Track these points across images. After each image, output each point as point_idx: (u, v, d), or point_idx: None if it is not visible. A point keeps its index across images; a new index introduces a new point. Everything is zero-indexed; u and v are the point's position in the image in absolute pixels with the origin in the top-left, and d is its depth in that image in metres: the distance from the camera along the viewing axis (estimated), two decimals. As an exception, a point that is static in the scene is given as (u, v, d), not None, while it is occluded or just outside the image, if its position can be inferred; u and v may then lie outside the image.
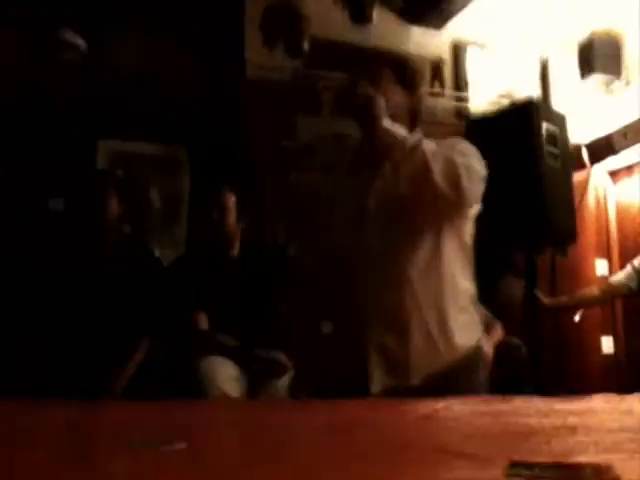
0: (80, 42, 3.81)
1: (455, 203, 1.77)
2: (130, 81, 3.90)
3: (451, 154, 1.74)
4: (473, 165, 1.76)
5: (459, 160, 1.72)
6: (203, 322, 2.72)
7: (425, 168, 1.70)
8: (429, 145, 1.75)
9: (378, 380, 1.77)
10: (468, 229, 1.88)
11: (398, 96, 1.89)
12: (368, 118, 1.78)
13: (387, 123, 1.78)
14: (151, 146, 4.05)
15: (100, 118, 3.84)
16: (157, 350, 2.68)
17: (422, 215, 1.79)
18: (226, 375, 2.54)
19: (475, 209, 1.87)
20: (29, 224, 3.25)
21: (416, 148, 1.73)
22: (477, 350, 1.84)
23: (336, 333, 2.05)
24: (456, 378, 1.75)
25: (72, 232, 2.81)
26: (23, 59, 3.67)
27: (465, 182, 1.71)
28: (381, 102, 1.78)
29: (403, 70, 1.96)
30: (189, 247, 3.84)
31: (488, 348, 1.90)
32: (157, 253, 3.16)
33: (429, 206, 1.78)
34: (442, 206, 1.78)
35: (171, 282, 2.81)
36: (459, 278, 1.83)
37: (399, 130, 1.79)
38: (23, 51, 3.68)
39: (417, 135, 1.85)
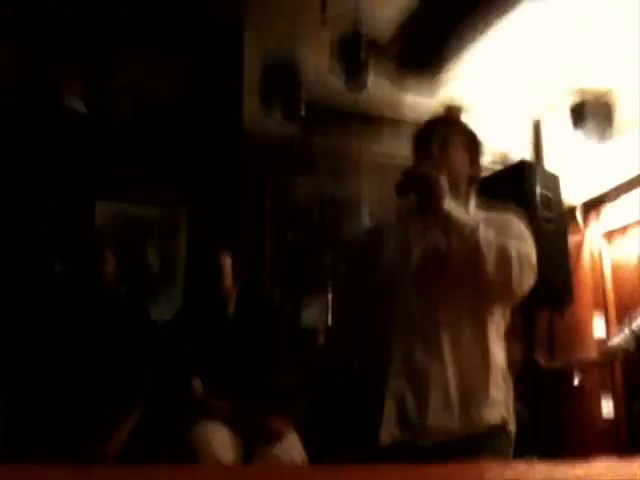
0: (81, 108, 3.88)
1: (505, 292, 1.78)
2: (128, 144, 3.96)
3: (505, 242, 1.74)
4: (527, 253, 1.77)
5: (513, 249, 1.73)
6: (197, 386, 2.68)
7: (477, 256, 1.70)
8: (485, 232, 1.74)
9: (389, 431, 1.75)
10: (508, 318, 1.90)
11: (463, 162, 1.95)
12: (431, 198, 1.79)
13: (448, 205, 1.78)
14: (148, 208, 4.08)
15: (98, 179, 3.88)
16: (151, 415, 2.64)
17: (467, 287, 1.80)
18: (220, 440, 2.49)
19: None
20: (29, 284, 3.25)
21: (473, 234, 1.72)
22: (501, 428, 1.80)
23: (357, 378, 2.03)
24: (471, 449, 1.71)
25: (68, 294, 2.80)
26: (22, 122, 3.73)
27: (516, 274, 1.71)
28: (444, 183, 1.80)
29: (471, 138, 2.02)
30: (184, 309, 3.83)
31: (513, 427, 1.85)
32: (154, 314, 3.15)
33: (478, 289, 1.79)
34: (489, 293, 1.80)
35: (165, 345, 2.79)
36: (494, 355, 1.82)
37: (459, 214, 1.79)
38: (21, 114, 3.74)
39: (474, 217, 1.85)
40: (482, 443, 1.74)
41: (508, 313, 1.92)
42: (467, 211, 1.88)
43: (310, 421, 2.75)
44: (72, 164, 3.83)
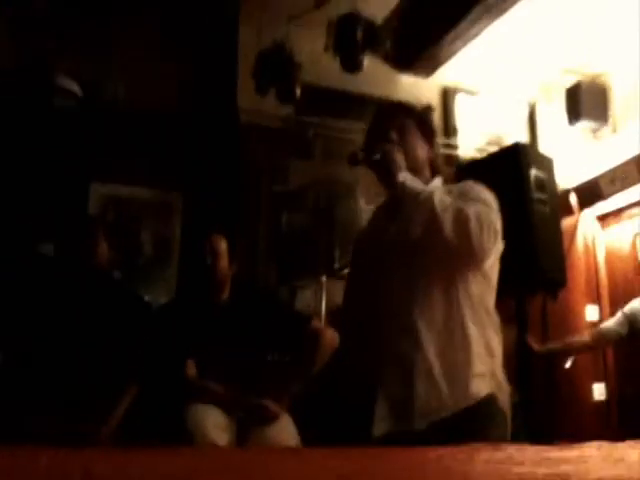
0: (75, 88, 3.86)
1: (466, 255, 1.78)
2: (124, 126, 3.95)
3: (463, 204, 1.75)
4: (487, 216, 1.76)
5: (471, 210, 1.73)
6: (192, 370, 2.69)
7: (435, 220, 1.71)
8: (441, 197, 1.76)
9: (382, 423, 1.76)
10: (486, 283, 1.89)
11: (420, 147, 1.96)
12: (385, 172, 1.84)
13: (402, 177, 1.81)
14: (143, 190, 4.07)
15: (93, 161, 3.87)
16: (145, 397, 2.65)
17: (433, 266, 1.81)
18: (214, 423, 2.50)
19: (494, 272, 1.88)
20: (18, 268, 3.24)
21: (427, 200, 1.74)
22: (491, 400, 1.80)
23: (344, 374, 2.05)
24: (467, 426, 1.73)
25: (61, 277, 2.79)
26: (16, 102, 3.70)
27: (475, 232, 1.71)
28: (398, 157, 1.84)
29: (423, 122, 2.03)
30: (179, 292, 3.83)
31: (505, 397, 1.86)
32: (148, 297, 3.15)
33: (441, 258, 1.80)
34: (453, 258, 1.80)
35: (160, 329, 2.79)
36: (472, 329, 1.82)
37: (414, 183, 1.81)
38: (16, 94, 3.71)
39: (432, 186, 1.87)
40: (475, 418, 1.75)
41: (487, 285, 1.90)
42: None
43: (305, 407, 2.76)
44: (66, 145, 3.81)
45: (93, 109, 3.88)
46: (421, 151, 1.96)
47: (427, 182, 1.90)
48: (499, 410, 1.83)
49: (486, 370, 1.82)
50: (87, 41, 3.95)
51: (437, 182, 1.97)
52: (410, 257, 1.83)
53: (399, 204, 1.87)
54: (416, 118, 2.01)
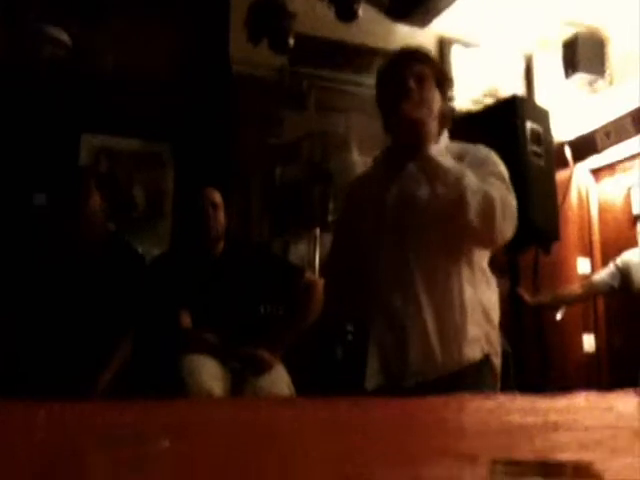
0: (64, 37, 3.78)
1: (486, 239, 1.79)
2: (114, 76, 3.89)
3: (490, 189, 1.73)
4: (509, 201, 1.75)
5: (496, 194, 1.71)
6: (186, 320, 2.71)
7: (462, 202, 1.69)
8: (470, 179, 1.72)
9: (373, 377, 1.79)
10: (485, 254, 1.90)
11: (437, 99, 1.88)
12: (417, 142, 1.77)
13: (434, 150, 1.76)
14: (135, 142, 4.03)
15: (84, 112, 3.82)
16: (140, 348, 2.67)
17: (444, 236, 1.80)
18: (209, 373, 2.53)
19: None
20: (11, 219, 3.23)
21: (458, 182, 1.70)
22: (484, 362, 1.82)
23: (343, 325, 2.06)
24: (456, 385, 1.75)
25: (54, 228, 2.79)
26: (5, 52, 3.63)
27: (499, 220, 1.70)
28: (431, 127, 1.79)
29: (439, 71, 1.95)
30: (173, 244, 3.83)
31: (497, 360, 1.88)
32: (140, 250, 3.14)
33: (457, 235, 1.79)
34: (471, 239, 1.80)
35: (154, 280, 2.79)
36: (469, 293, 1.82)
37: (445, 159, 1.76)
38: (5, 44, 3.64)
39: (442, 145, 1.84)
40: (465, 379, 1.77)
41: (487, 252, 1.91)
42: (438, 144, 1.85)
43: (297, 357, 2.79)
44: (56, 96, 3.76)
45: (83, 60, 3.82)
46: (436, 103, 1.87)
47: (436, 135, 1.86)
48: (490, 372, 1.84)
49: (481, 334, 1.83)
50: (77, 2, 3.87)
51: (444, 137, 1.92)
52: (418, 220, 1.81)
53: (408, 157, 1.83)
54: (433, 66, 1.92)
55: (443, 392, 1.53)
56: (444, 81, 1.94)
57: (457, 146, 1.91)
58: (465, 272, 1.83)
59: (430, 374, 1.77)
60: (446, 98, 1.94)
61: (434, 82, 1.88)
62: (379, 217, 1.87)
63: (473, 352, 1.80)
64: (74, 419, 0.82)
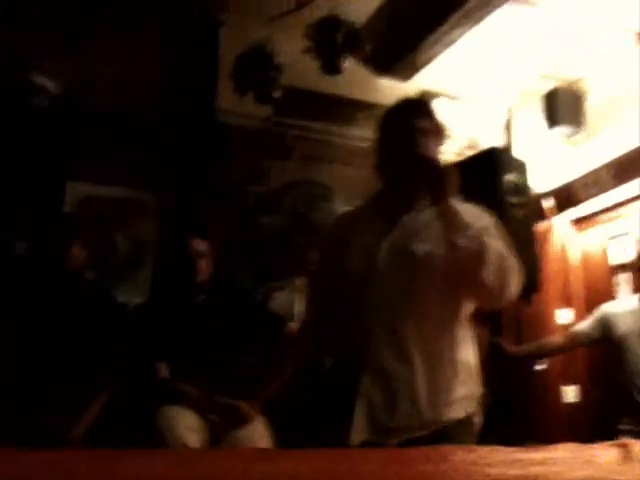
0: (51, 85, 3.82)
1: (496, 299, 1.77)
2: (101, 125, 3.91)
3: (504, 251, 1.73)
4: (517, 266, 1.76)
5: (510, 257, 1.72)
6: (164, 371, 2.67)
7: (480, 260, 1.67)
8: (491, 240, 1.72)
9: (359, 432, 1.75)
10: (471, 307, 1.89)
11: (437, 149, 1.90)
12: (440, 193, 1.75)
13: (456, 203, 1.76)
14: (119, 189, 4.04)
15: (69, 160, 3.83)
16: (118, 399, 2.63)
17: (444, 290, 1.78)
18: (186, 424, 2.49)
19: None
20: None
21: (478, 236, 1.70)
22: (466, 422, 1.82)
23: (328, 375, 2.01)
24: (437, 442, 1.73)
25: (34, 277, 2.76)
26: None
27: (509, 285, 1.71)
28: (455, 181, 1.77)
29: (436, 121, 1.94)
30: (154, 293, 3.81)
31: (479, 419, 1.87)
32: (121, 298, 3.12)
33: (467, 292, 1.78)
34: (481, 298, 1.80)
35: (133, 330, 2.77)
36: (461, 352, 1.82)
37: (461, 209, 1.76)
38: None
39: (481, 222, 1.82)
40: (448, 437, 1.74)
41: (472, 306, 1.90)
42: None
43: (280, 410, 2.76)
44: (42, 144, 3.77)
45: (70, 108, 3.85)
46: (437, 152, 1.88)
47: None
48: (471, 432, 1.83)
49: (467, 393, 1.83)
50: (67, 41, 3.91)
51: (483, 220, 1.88)
52: (413, 275, 1.78)
53: (403, 209, 1.82)
54: (434, 118, 1.93)
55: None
56: (441, 131, 1.94)
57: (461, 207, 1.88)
58: (457, 329, 1.82)
59: (414, 432, 1.74)
60: (441, 150, 1.95)
61: (433, 132, 1.89)
62: (369, 268, 1.82)
63: (458, 412, 1.79)
64: (41, 468, 0.81)
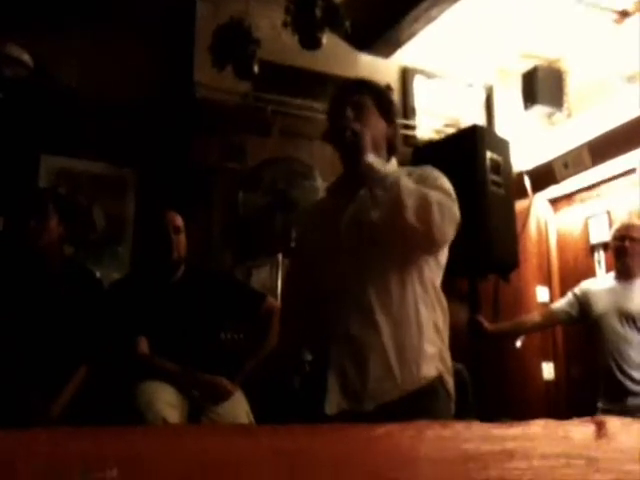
0: (26, 57, 3.74)
1: (425, 240, 1.80)
2: (77, 98, 3.86)
3: (426, 190, 1.78)
4: (448, 204, 1.80)
5: (433, 197, 1.76)
6: (144, 346, 2.66)
7: (398, 204, 1.73)
8: (406, 182, 1.78)
9: (334, 402, 1.78)
10: (437, 265, 1.92)
11: (377, 125, 1.95)
12: (354, 152, 1.84)
13: (371, 158, 1.82)
14: (97, 165, 3.99)
15: (44, 133, 3.77)
16: (96, 374, 2.61)
17: (391, 248, 1.83)
18: (166, 400, 2.48)
19: (444, 254, 1.92)
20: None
21: (394, 185, 1.76)
22: (438, 380, 1.84)
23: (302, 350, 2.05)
24: (414, 406, 1.76)
25: (9, 253, 2.72)
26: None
27: (436, 219, 1.73)
28: (367, 137, 1.84)
29: (382, 100, 2.01)
30: (133, 269, 3.78)
31: (450, 378, 1.90)
32: (99, 274, 3.09)
33: (399, 241, 1.82)
34: (411, 241, 1.82)
35: (112, 305, 2.75)
36: (423, 310, 1.85)
37: (381, 166, 1.83)
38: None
39: (396, 170, 1.90)
40: (422, 399, 1.79)
41: (438, 267, 1.94)
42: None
43: (257, 385, 2.76)
44: (16, 116, 3.71)
45: (45, 80, 3.78)
46: (378, 129, 1.95)
47: (377, 152, 1.90)
48: (445, 391, 1.87)
49: (435, 351, 1.86)
50: (40, 19, 3.84)
51: (393, 162, 1.99)
52: (368, 238, 1.84)
53: (359, 184, 1.88)
54: (374, 95, 2.00)
55: (402, 415, 1.53)
56: (388, 109, 2.01)
57: (405, 169, 1.98)
58: (418, 290, 1.86)
59: (389, 395, 1.78)
60: (393, 126, 2.02)
61: (375, 110, 1.96)
62: (334, 243, 1.90)
63: (428, 370, 1.83)
64: (17, 447, 0.80)
